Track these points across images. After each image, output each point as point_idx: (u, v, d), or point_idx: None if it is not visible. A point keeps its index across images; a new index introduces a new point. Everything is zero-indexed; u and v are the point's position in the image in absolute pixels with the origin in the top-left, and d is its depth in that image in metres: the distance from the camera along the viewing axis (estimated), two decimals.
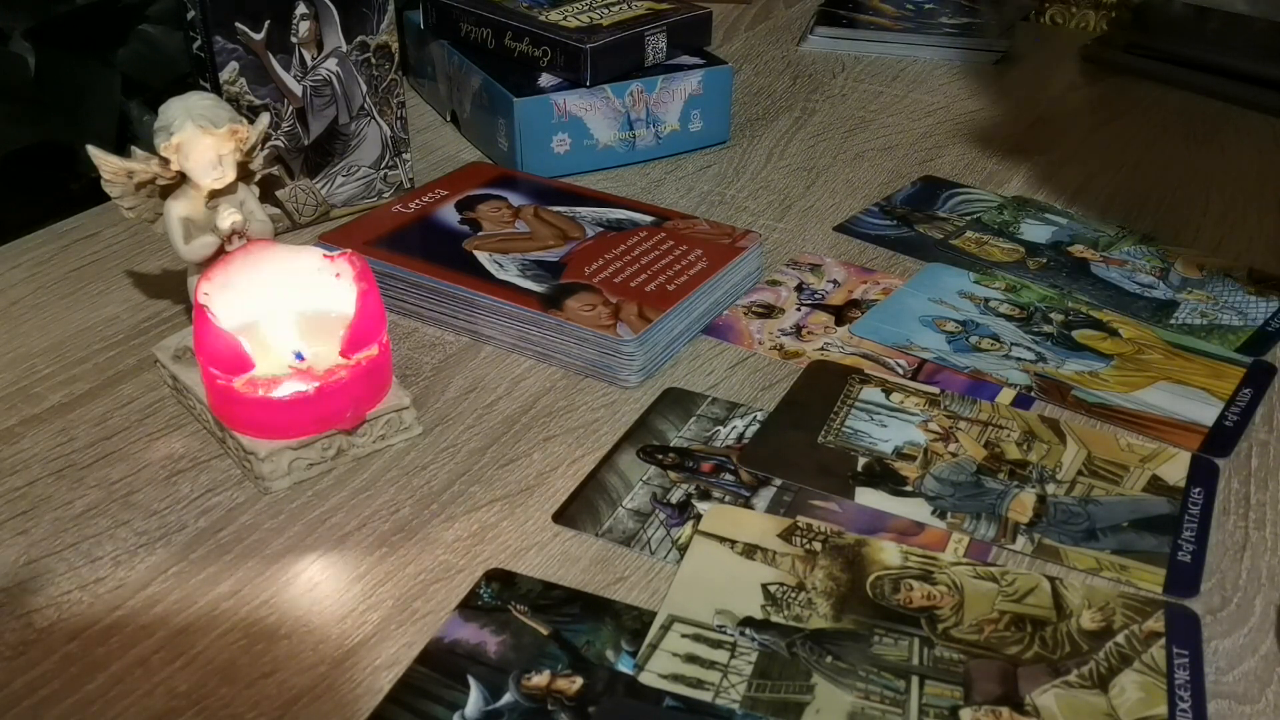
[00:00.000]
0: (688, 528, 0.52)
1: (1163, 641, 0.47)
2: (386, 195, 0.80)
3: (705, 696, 0.44)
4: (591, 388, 0.62)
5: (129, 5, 0.85)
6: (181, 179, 0.57)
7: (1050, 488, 0.55)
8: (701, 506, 0.53)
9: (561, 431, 0.59)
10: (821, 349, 0.66)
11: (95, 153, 0.56)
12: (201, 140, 0.55)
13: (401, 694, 0.44)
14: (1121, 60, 1.08)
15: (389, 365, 0.57)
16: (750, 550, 0.51)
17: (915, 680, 0.45)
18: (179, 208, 0.57)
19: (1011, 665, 0.46)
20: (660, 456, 0.57)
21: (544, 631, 0.47)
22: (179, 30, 0.76)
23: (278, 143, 0.74)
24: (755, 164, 0.88)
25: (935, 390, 0.62)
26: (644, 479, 0.55)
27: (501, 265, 0.66)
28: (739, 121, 0.94)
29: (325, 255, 0.57)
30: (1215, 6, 1.08)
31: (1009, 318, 0.69)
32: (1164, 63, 1.05)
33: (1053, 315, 0.69)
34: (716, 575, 0.50)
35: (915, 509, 0.54)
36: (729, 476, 0.56)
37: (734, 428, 0.59)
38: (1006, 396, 0.62)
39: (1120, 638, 0.47)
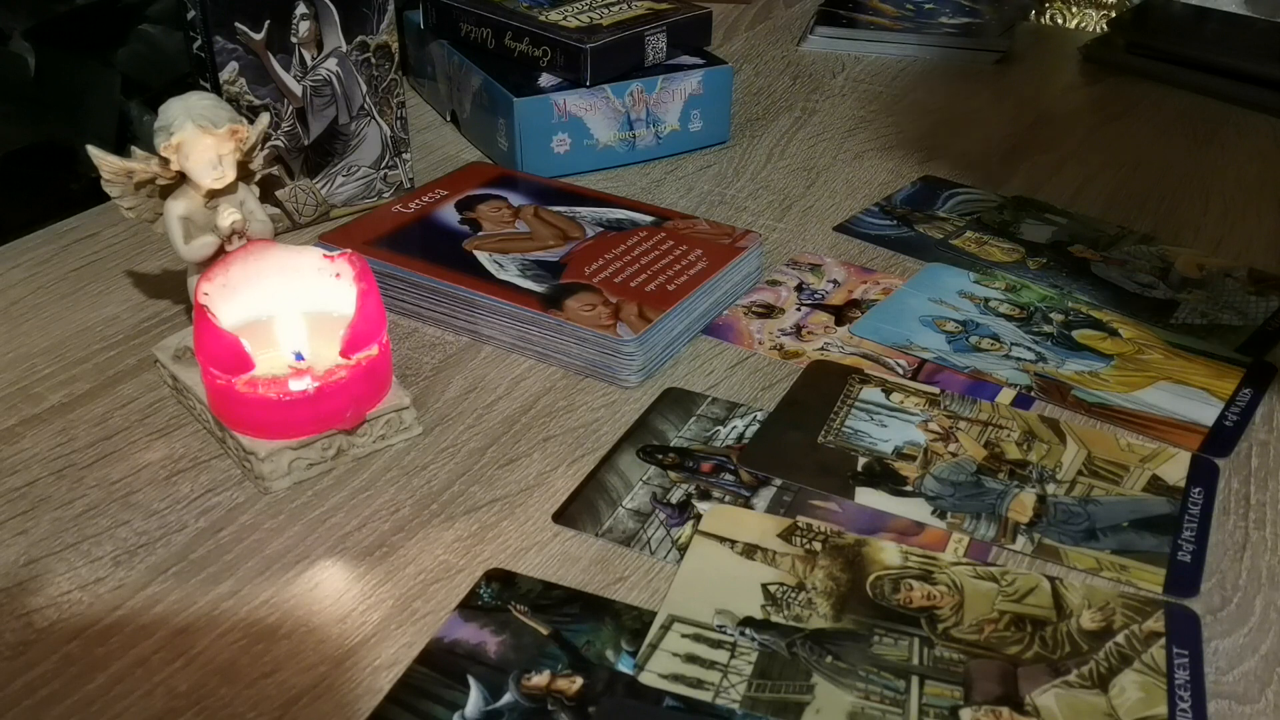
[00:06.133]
0: (688, 528, 0.52)
1: (1163, 641, 0.47)
2: (386, 195, 0.80)
3: (705, 696, 0.44)
4: (591, 388, 0.62)
5: (129, 5, 0.86)
6: (181, 179, 0.57)
7: (1050, 488, 0.55)
8: (701, 506, 0.53)
9: (561, 431, 0.59)
10: (821, 349, 0.66)
11: (95, 153, 0.56)
12: (201, 140, 0.55)
13: (401, 694, 0.44)
14: (1121, 60, 1.08)
15: (389, 365, 0.57)
16: (750, 550, 0.51)
17: (915, 680, 0.45)
18: (179, 208, 0.57)
19: (1011, 665, 0.46)
20: (660, 456, 0.57)
21: (544, 631, 0.47)
22: (179, 30, 0.76)
23: (278, 143, 0.74)
24: (755, 164, 0.88)
25: (935, 390, 0.62)
26: (644, 479, 0.55)
27: (501, 265, 0.66)
28: (739, 121, 0.94)
29: (325, 255, 0.57)
30: (1215, 6, 1.08)
31: (1009, 318, 0.69)
32: (1164, 63, 1.05)
33: (1053, 315, 0.69)
34: (716, 575, 0.50)
35: (915, 509, 0.54)
36: (729, 476, 0.56)
37: (734, 428, 0.59)
38: (1006, 396, 0.62)
39: (1120, 638, 0.47)
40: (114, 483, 0.55)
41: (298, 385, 0.53)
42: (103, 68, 0.84)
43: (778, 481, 0.55)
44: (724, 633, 0.47)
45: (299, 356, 0.56)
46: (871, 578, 0.50)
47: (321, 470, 0.55)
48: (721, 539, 0.51)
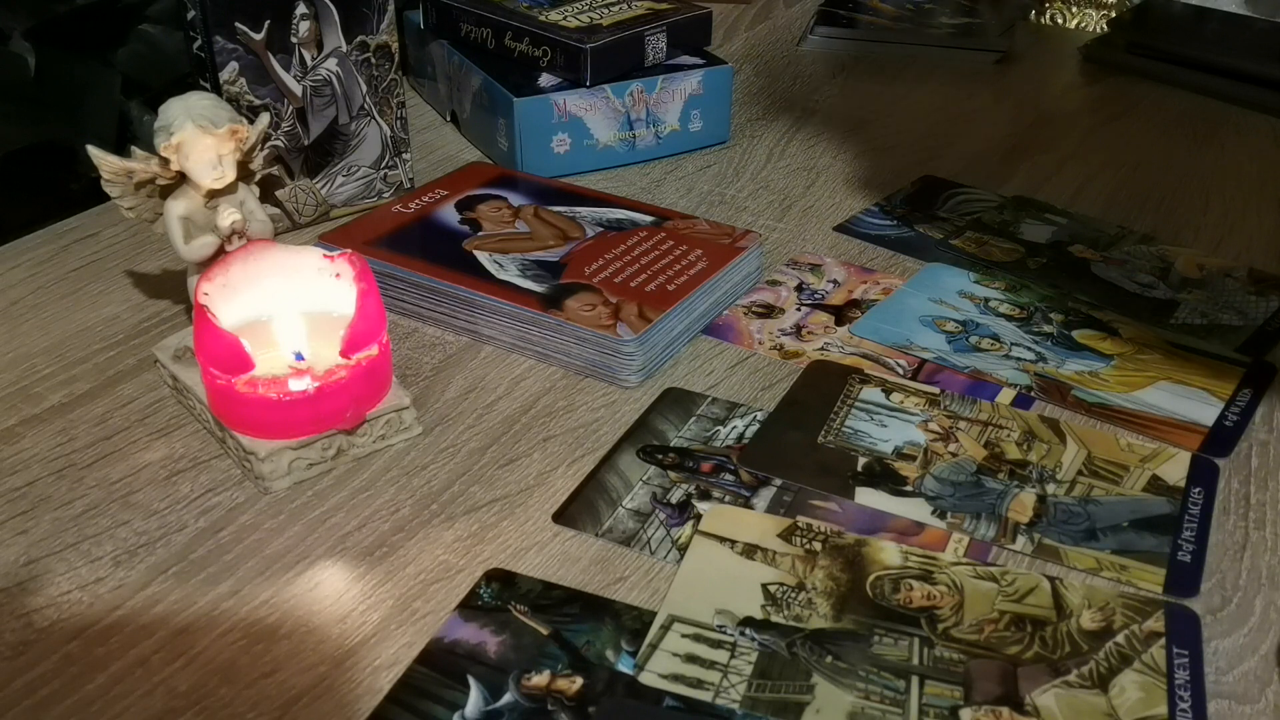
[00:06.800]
0: (688, 528, 0.52)
1: (1163, 641, 0.47)
2: (386, 195, 0.80)
3: (705, 696, 0.44)
4: (591, 388, 0.62)
5: (129, 5, 0.86)
6: (181, 179, 0.57)
7: (1050, 488, 0.55)
8: (701, 506, 0.53)
9: (561, 431, 0.59)
10: (821, 349, 0.66)
11: (95, 153, 0.56)
12: (201, 140, 0.55)
13: (401, 694, 0.44)
14: (1121, 60, 1.08)
15: (389, 365, 0.57)
16: (750, 550, 0.51)
17: (915, 680, 0.45)
18: (179, 208, 0.57)
19: (1011, 665, 0.46)
20: (660, 456, 0.57)
21: (544, 631, 0.47)
22: (179, 30, 0.76)
23: (278, 143, 0.74)
24: (755, 164, 0.88)
25: (935, 390, 0.62)
26: (644, 479, 0.55)
27: (501, 265, 0.66)
28: (739, 121, 0.94)
29: (325, 255, 0.57)
30: (1215, 6, 1.08)
31: (1009, 318, 0.69)
32: (1164, 63, 1.05)
33: (1053, 315, 0.69)
34: (716, 575, 0.50)
35: (915, 509, 0.54)
36: (729, 476, 0.56)
37: (734, 428, 0.59)
38: (1006, 396, 0.62)
39: (1120, 638, 0.47)
40: (114, 483, 0.55)
41: (298, 385, 0.53)
42: (103, 68, 0.84)
43: (778, 481, 0.55)
44: (724, 633, 0.47)
45: (299, 356, 0.56)
46: (871, 578, 0.50)
47: (321, 470, 0.55)
48: (721, 539, 0.51)
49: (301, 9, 0.71)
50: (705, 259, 0.68)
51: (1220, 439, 0.59)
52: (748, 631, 0.47)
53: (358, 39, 0.74)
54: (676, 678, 0.45)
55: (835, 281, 0.72)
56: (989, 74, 1.08)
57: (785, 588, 0.49)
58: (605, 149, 0.85)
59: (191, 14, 0.70)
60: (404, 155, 0.80)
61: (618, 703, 0.44)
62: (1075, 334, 0.67)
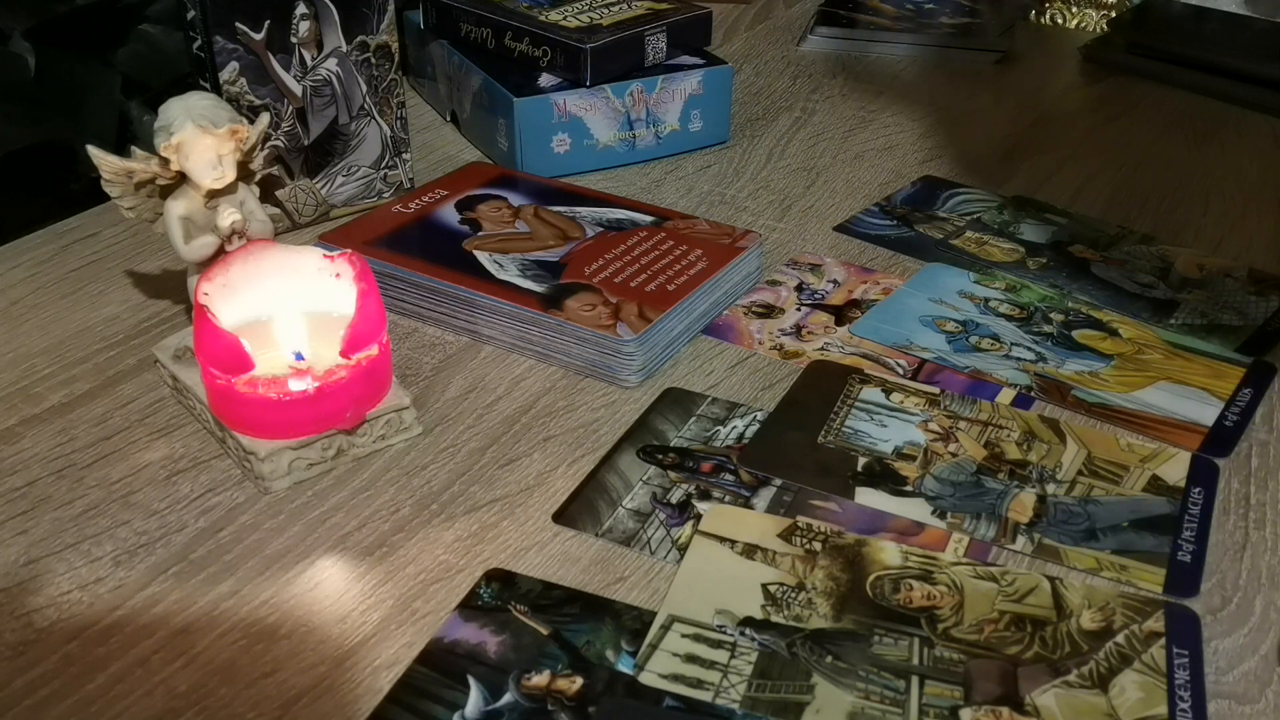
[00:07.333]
0: (688, 528, 0.52)
1: (1163, 641, 0.47)
2: (386, 195, 0.80)
3: (705, 696, 0.44)
4: (591, 388, 0.62)
5: (129, 5, 0.86)
6: (181, 179, 0.57)
7: (1050, 488, 0.55)
8: (701, 506, 0.53)
9: (561, 431, 0.59)
10: (821, 349, 0.66)
11: (95, 152, 0.56)
12: (201, 140, 0.55)
13: (401, 694, 0.44)
14: (1121, 60, 1.08)
15: (389, 365, 0.57)
16: (750, 550, 0.51)
17: (915, 680, 0.45)
18: (179, 208, 0.57)
19: (1011, 665, 0.46)
20: (660, 456, 0.57)
21: (544, 631, 0.47)
22: (179, 30, 0.76)
23: (278, 143, 0.74)
24: (755, 164, 0.88)
25: (935, 390, 0.62)
26: (644, 479, 0.55)
27: (501, 265, 0.66)
28: (739, 121, 0.94)
29: (325, 255, 0.57)
30: (1215, 6, 1.08)
31: (1009, 318, 0.69)
32: (1164, 63, 1.05)
33: (1053, 315, 0.69)
34: (716, 575, 0.50)
35: (915, 509, 0.54)
36: (729, 476, 0.56)
37: (734, 428, 0.59)
38: (1006, 396, 0.62)
39: (1120, 638, 0.47)
40: (114, 483, 0.55)
41: (298, 385, 0.53)
42: (103, 68, 0.84)
43: (778, 481, 0.55)
44: (724, 633, 0.47)
45: (299, 356, 0.56)
46: (871, 578, 0.50)
47: (321, 470, 0.55)
48: (721, 539, 0.51)
49: (301, 9, 0.71)
50: (705, 259, 0.68)
51: (1220, 439, 0.59)
52: (748, 631, 0.47)
53: (358, 39, 0.74)
54: (676, 678, 0.45)
55: (835, 281, 0.72)
56: (989, 74, 1.08)
57: (785, 588, 0.49)
58: (605, 149, 0.85)
59: (191, 14, 0.70)
60: (404, 155, 0.80)
61: (618, 703, 0.44)
62: (1075, 334, 0.67)
